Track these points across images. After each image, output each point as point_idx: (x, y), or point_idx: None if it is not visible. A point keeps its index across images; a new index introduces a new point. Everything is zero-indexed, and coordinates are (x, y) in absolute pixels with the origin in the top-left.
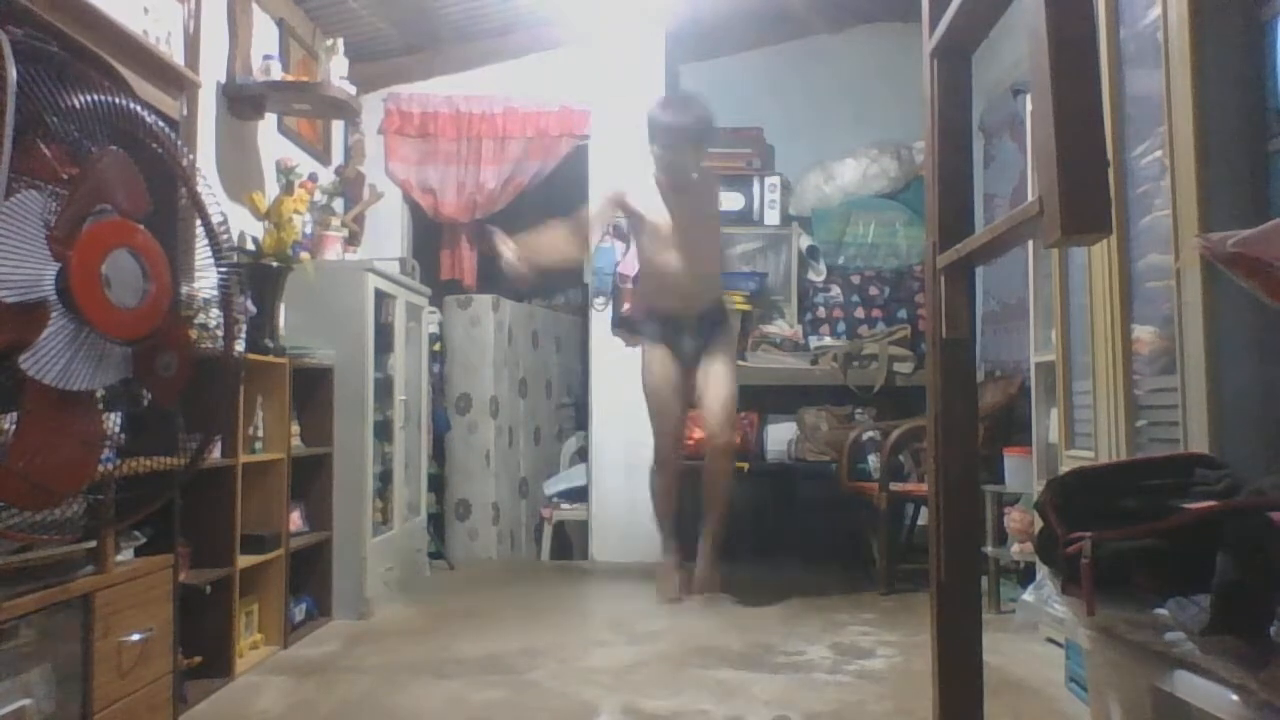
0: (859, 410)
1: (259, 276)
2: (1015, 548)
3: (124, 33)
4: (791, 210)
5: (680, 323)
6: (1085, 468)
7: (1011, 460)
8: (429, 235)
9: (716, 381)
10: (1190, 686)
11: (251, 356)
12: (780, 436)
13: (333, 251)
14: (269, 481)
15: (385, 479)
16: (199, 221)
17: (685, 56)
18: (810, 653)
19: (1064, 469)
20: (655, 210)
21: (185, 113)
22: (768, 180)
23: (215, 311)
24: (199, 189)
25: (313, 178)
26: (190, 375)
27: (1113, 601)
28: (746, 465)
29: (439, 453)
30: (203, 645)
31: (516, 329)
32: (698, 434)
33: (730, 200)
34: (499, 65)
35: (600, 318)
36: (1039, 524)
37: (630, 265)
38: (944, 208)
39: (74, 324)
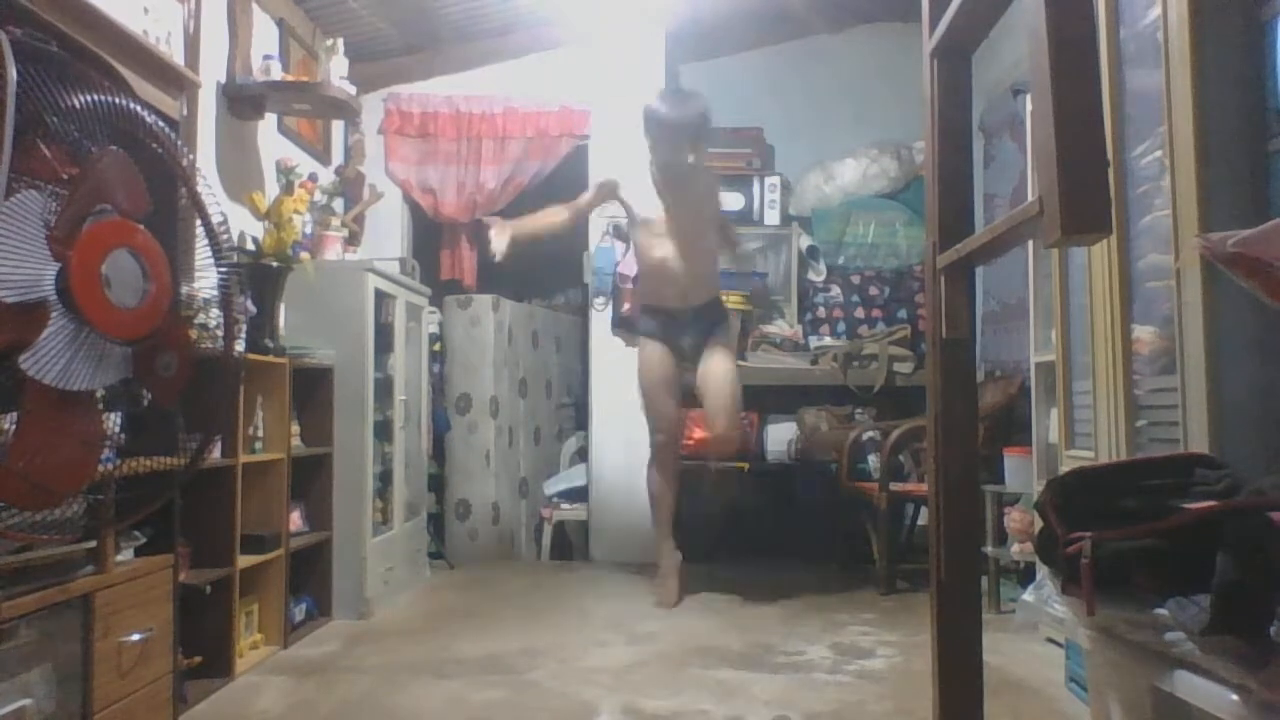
0: (859, 410)
1: (259, 276)
2: (1015, 548)
3: (124, 33)
4: (791, 210)
5: (676, 318)
6: (1085, 468)
7: (1011, 460)
8: (429, 235)
9: (717, 377)
10: (1190, 686)
11: (251, 356)
12: (780, 436)
13: (333, 251)
14: (269, 481)
15: (385, 479)
16: (199, 221)
17: (685, 56)
18: (810, 653)
19: (1064, 469)
20: (649, 205)
21: (185, 113)
22: (768, 180)
23: (215, 311)
24: (199, 189)
25: (313, 178)
26: (190, 375)
27: (1113, 601)
28: (746, 465)
29: (439, 453)
30: (203, 645)
31: (516, 329)
32: (698, 434)
33: (730, 200)
34: (499, 65)
35: (600, 318)
36: (1039, 524)
37: (630, 265)
38: (944, 208)
39: (74, 324)
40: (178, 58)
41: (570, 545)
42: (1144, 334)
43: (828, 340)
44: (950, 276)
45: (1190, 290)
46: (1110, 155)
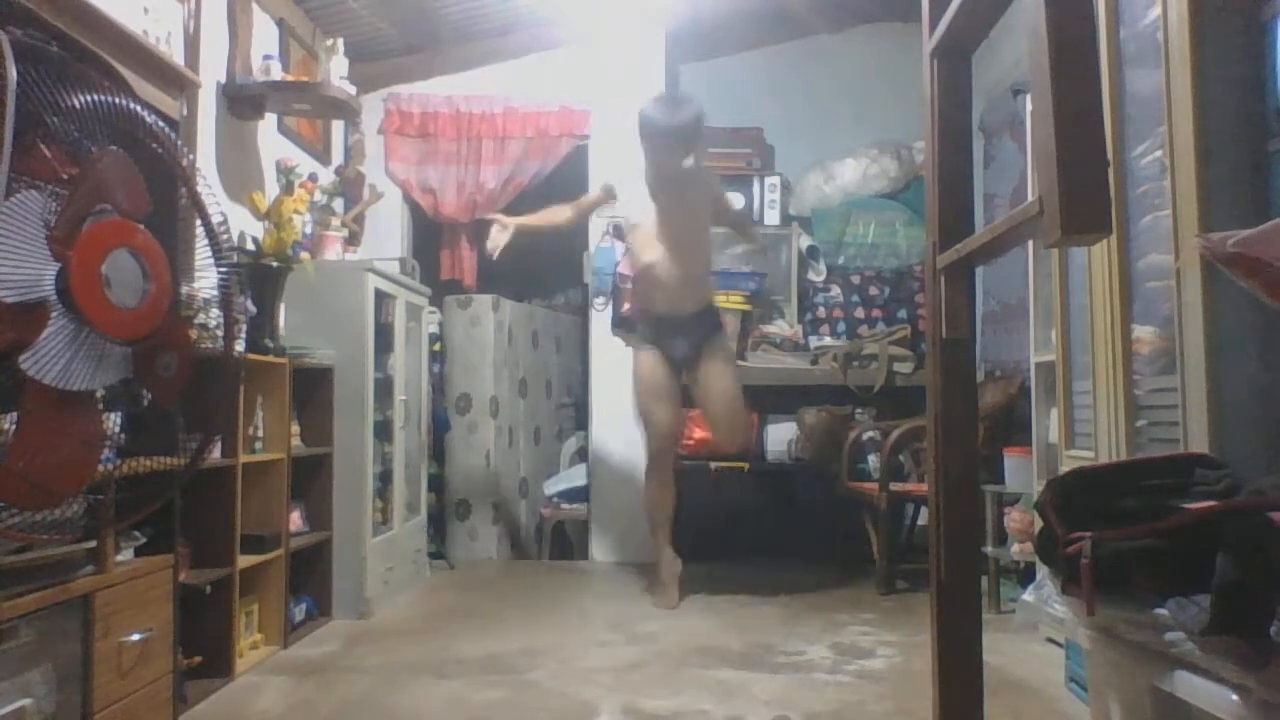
0: (859, 410)
1: (259, 276)
2: (1015, 548)
3: (124, 33)
4: (791, 210)
5: (670, 326)
6: (1085, 468)
7: (1011, 460)
8: (429, 235)
9: (719, 383)
10: (1190, 686)
11: (251, 356)
12: (780, 436)
13: (333, 251)
14: (269, 481)
15: (385, 479)
16: (199, 221)
17: (685, 56)
18: (810, 653)
19: (1064, 469)
20: (642, 211)
21: (185, 113)
22: (768, 180)
23: (215, 311)
24: (199, 189)
25: (313, 178)
26: (190, 375)
27: (1113, 601)
28: (746, 465)
29: (439, 453)
30: (203, 645)
31: (516, 329)
32: (698, 434)
33: (730, 200)
34: (499, 65)
35: (600, 318)
36: (1039, 524)
37: (629, 266)
38: (944, 208)
39: (74, 324)
40: (178, 58)
41: (570, 545)
42: (1144, 334)
43: (828, 340)
44: (950, 276)
45: (1190, 290)
46: (1110, 155)
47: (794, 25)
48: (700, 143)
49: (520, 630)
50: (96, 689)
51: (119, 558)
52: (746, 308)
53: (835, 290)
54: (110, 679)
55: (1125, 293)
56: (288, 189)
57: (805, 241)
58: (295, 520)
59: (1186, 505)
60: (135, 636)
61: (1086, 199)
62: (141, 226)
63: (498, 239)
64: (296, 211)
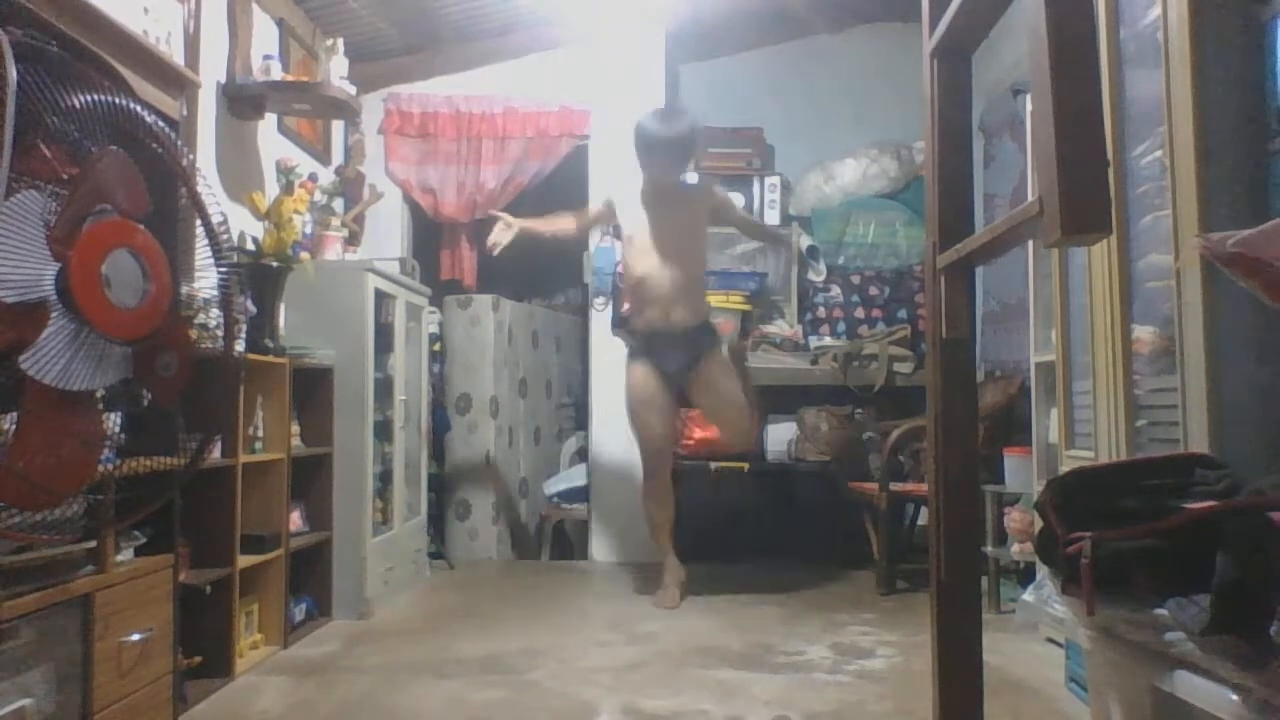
0: (859, 410)
1: (259, 276)
2: (1015, 548)
3: (124, 33)
4: (791, 210)
5: (663, 340)
6: (1085, 468)
7: (1011, 460)
8: (429, 235)
9: (720, 390)
10: (1190, 686)
11: (251, 356)
12: (780, 436)
13: (333, 251)
14: (269, 481)
15: (385, 479)
16: (199, 221)
17: (685, 56)
18: (810, 653)
19: (1064, 469)
20: (636, 222)
21: (185, 113)
22: (768, 180)
23: (215, 311)
24: (199, 189)
25: (313, 178)
26: (190, 375)
27: (1113, 601)
28: (746, 465)
29: (439, 453)
30: (203, 645)
31: (516, 329)
32: (698, 434)
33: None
34: (499, 65)
35: (600, 318)
36: (1039, 524)
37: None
38: (944, 208)
39: (74, 324)
40: (178, 58)
41: (570, 545)
42: (1144, 334)
43: (828, 340)
44: (950, 276)
45: (1190, 290)
46: (1110, 155)
47: (794, 25)
48: (696, 155)
49: (520, 630)
50: (96, 689)
51: (119, 558)
52: (746, 308)
53: (835, 290)
54: (110, 679)
55: (1125, 293)
56: (288, 189)
57: (805, 241)
58: (295, 520)
59: (1186, 505)
60: (135, 636)
61: (1086, 199)
62: (141, 226)
63: (501, 236)
64: (296, 211)
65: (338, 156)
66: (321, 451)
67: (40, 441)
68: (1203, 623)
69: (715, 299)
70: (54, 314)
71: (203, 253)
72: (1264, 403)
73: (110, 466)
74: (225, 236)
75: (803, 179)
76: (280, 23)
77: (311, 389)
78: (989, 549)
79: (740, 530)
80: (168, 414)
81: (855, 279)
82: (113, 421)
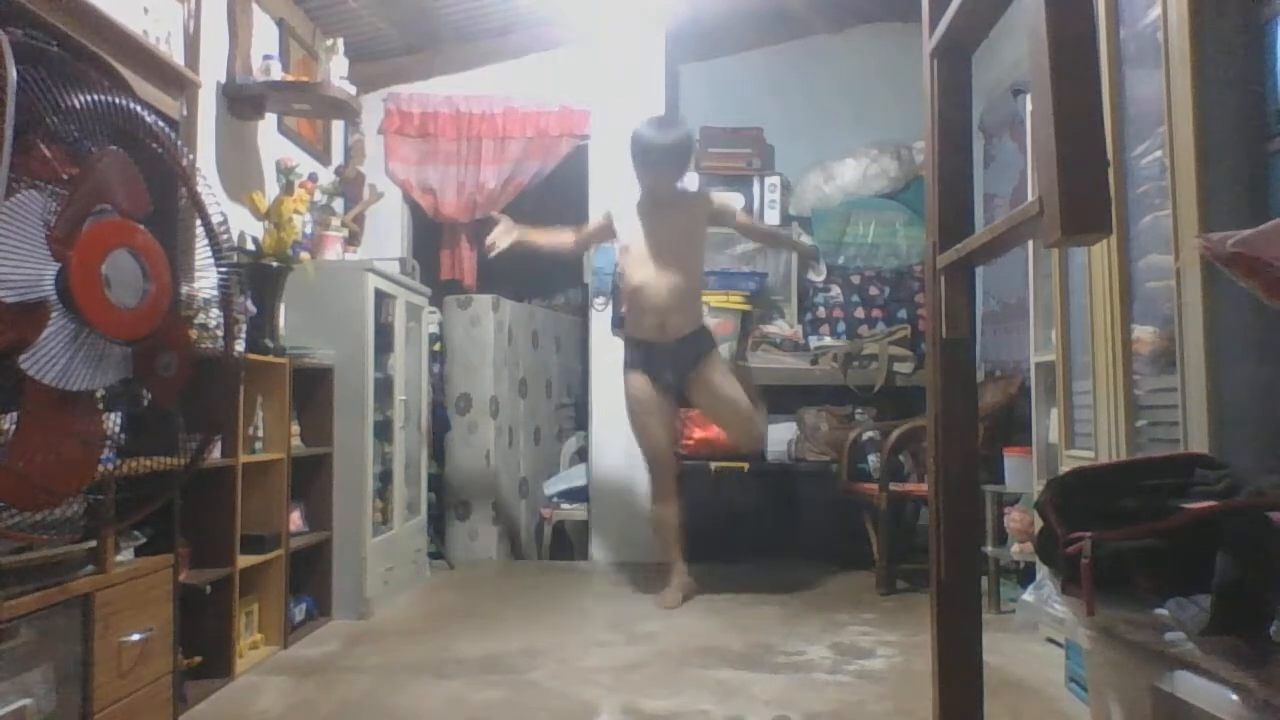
0: (859, 410)
1: (259, 276)
2: (1015, 548)
3: (124, 33)
4: (791, 210)
5: (658, 352)
6: (1085, 468)
7: (1011, 460)
8: (429, 235)
9: (722, 393)
10: (1190, 686)
11: (251, 356)
12: (780, 436)
13: (333, 251)
14: (269, 481)
15: (385, 479)
16: (199, 221)
17: (685, 56)
18: (810, 653)
19: (1064, 469)
20: (633, 231)
21: (185, 113)
22: (768, 180)
23: (215, 311)
24: (199, 189)
25: (313, 178)
26: (190, 375)
27: (1113, 601)
28: (746, 465)
29: (439, 453)
30: (203, 645)
31: (516, 329)
32: (698, 434)
33: (730, 200)
34: (499, 65)
35: (600, 318)
36: (1039, 524)
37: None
38: (944, 208)
39: (74, 324)
40: (178, 58)
41: (570, 545)
42: (1144, 334)
43: (828, 340)
44: (950, 276)
45: (1190, 290)
46: (1110, 155)
47: (794, 25)
48: (689, 162)
49: (520, 630)
50: (96, 689)
51: (119, 558)
52: (746, 308)
53: (835, 290)
54: (110, 679)
55: (1125, 293)
56: (288, 189)
57: (805, 241)
58: (295, 520)
59: (1186, 505)
60: (135, 636)
61: (1086, 199)
62: (141, 226)
63: (500, 240)
64: (296, 211)
65: (338, 156)
66: (321, 451)
67: (40, 441)
68: (1203, 623)
69: (715, 299)
70: (54, 314)
71: (203, 253)
72: (1264, 403)
73: (110, 466)
74: (225, 236)
75: (803, 179)
76: (280, 23)
77: (311, 389)
78: (989, 549)
79: (740, 530)
80: (168, 414)
81: (855, 279)
82: (113, 421)
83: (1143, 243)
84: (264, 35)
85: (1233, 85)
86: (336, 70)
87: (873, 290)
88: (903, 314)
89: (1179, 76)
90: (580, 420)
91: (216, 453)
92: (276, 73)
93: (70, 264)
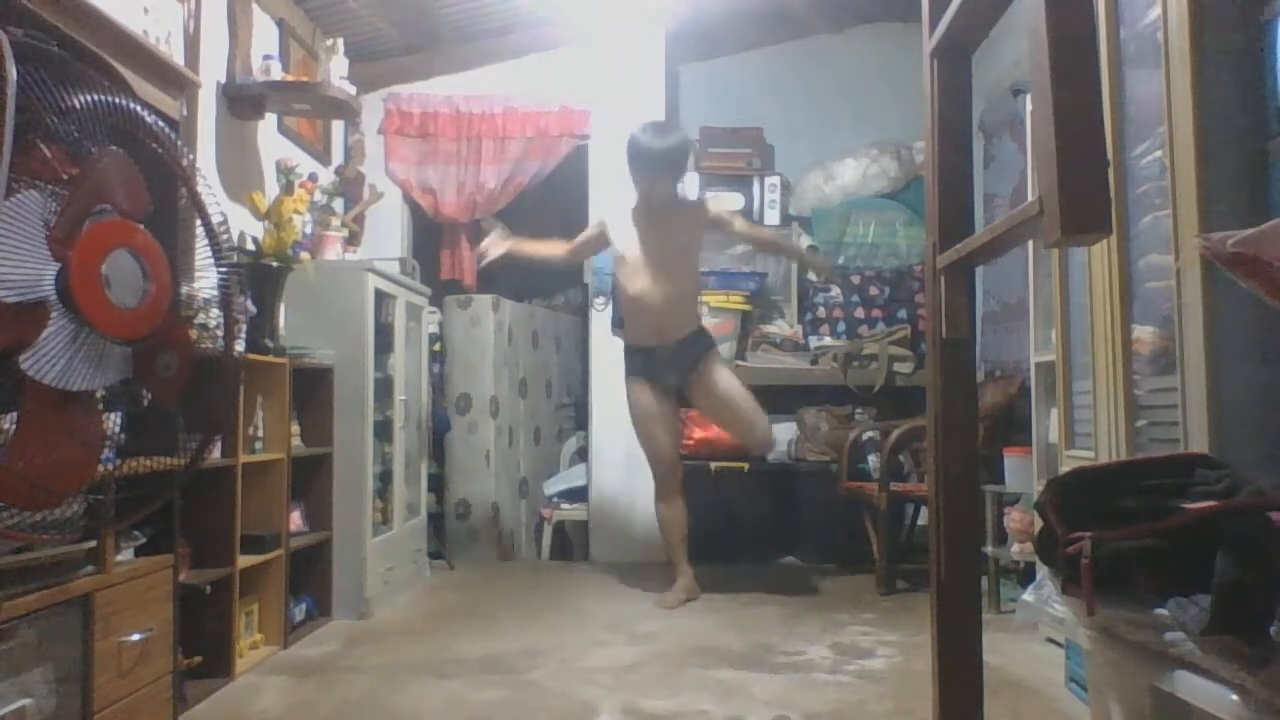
0: (859, 410)
1: (259, 276)
2: (1015, 548)
3: (124, 33)
4: (791, 210)
5: (658, 357)
6: (1085, 468)
7: (1011, 460)
8: (429, 235)
9: (725, 391)
10: (1190, 686)
11: (251, 356)
12: (780, 436)
13: (333, 251)
14: (269, 481)
15: (385, 479)
16: (199, 221)
17: (685, 56)
18: (810, 653)
19: (1064, 469)
20: (628, 241)
21: (185, 113)
22: (768, 180)
23: (215, 311)
24: (199, 189)
25: (313, 178)
26: (190, 375)
27: (1113, 601)
28: (747, 465)
29: (439, 453)
30: (203, 645)
31: (516, 329)
32: (698, 434)
33: (730, 200)
34: (499, 65)
35: (600, 318)
36: (1039, 524)
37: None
38: (944, 208)
39: (74, 324)
40: (178, 58)
41: (570, 545)
42: (1144, 334)
43: (828, 340)
44: (950, 276)
45: (1190, 290)
46: (1110, 155)
47: (794, 25)
48: (686, 168)
49: (520, 630)
50: (96, 689)
51: (119, 558)
52: (746, 308)
53: (835, 290)
54: (110, 679)
55: (1125, 293)
56: (288, 189)
57: (805, 241)
58: (295, 520)
59: (1186, 505)
60: (135, 636)
61: (1086, 199)
62: (141, 226)
63: (491, 250)
64: (296, 211)
65: (338, 156)
66: (321, 451)
67: (40, 441)
68: (1203, 623)
69: (715, 299)
70: (54, 314)
71: (203, 253)
72: (1264, 403)
73: (110, 466)
74: (225, 236)
75: (803, 179)
76: (280, 23)
77: (311, 389)
78: (989, 549)
79: (740, 530)
80: (168, 414)
81: (855, 279)
82: (113, 421)
83: (1143, 243)
84: (264, 35)
85: (1233, 85)
86: (336, 70)
87: (873, 290)
88: (903, 314)
89: (1179, 76)
90: (580, 420)
91: (216, 453)
92: (276, 73)
93: (70, 264)
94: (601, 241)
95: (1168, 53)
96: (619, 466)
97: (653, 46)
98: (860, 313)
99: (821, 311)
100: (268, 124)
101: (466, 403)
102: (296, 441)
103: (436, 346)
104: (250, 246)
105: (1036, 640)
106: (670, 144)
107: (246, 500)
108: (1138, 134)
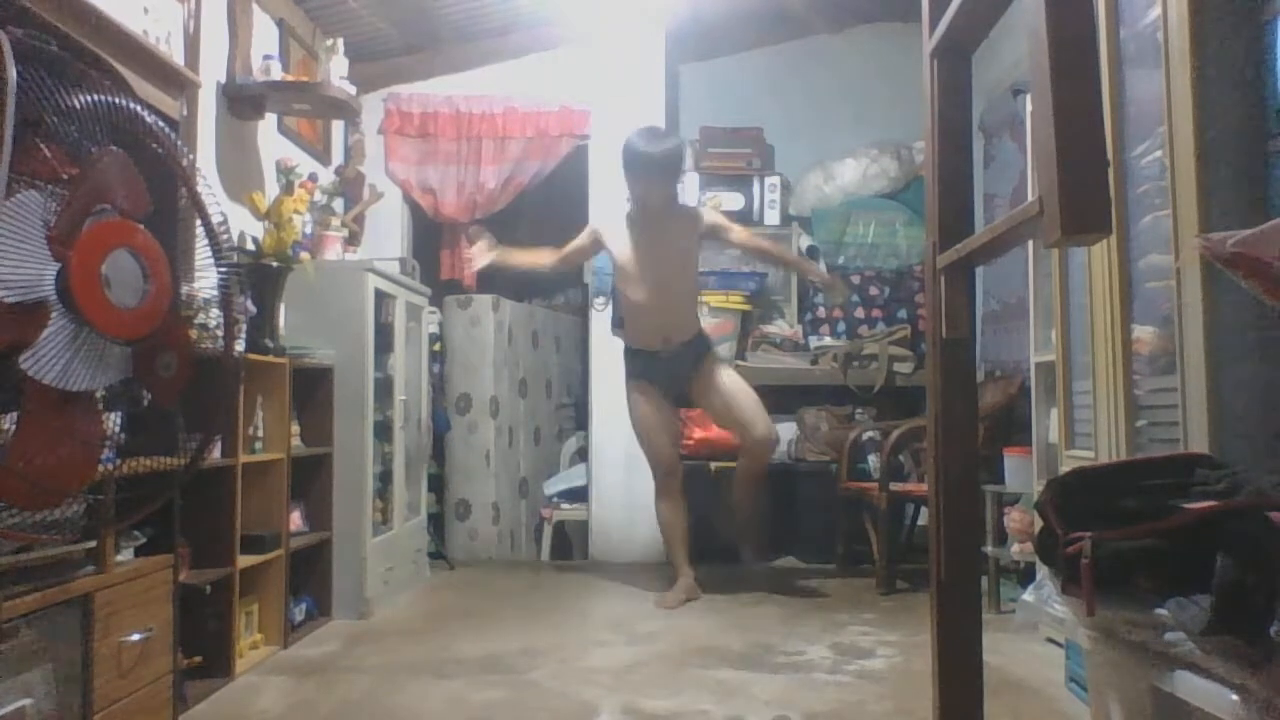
0: (859, 410)
1: (259, 276)
2: (1015, 548)
3: (124, 33)
4: (791, 210)
5: (660, 359)
6: (1085, 468)
7: (1011, 460)
8: (429, 235)
9: (729, 392)
10: (1190, 686)
11: (251, 356)
12: (780, 436)
13: (333, 251)
14: (269, 481)
15: (385, 479)
16: (199, 221)
17: (685, 56)
18: (810, 653)
19: (1064, 469)
20: (625, 250)
21: (185, 113)
22: (768, 180)
23: (215, 311)
24: (199, 189)
25: (313, 178)
26: (190, 375)
27: (1113, 601)
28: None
29: (439, 453)
30: (203, 645)
31: (516, 329)
32: (698, 433)
33: (730, 200)
34: (499, 65)
35: (600, 318)
36: (1039, 524)
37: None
38: (944, 208)
39: (74, 324)
40: (178, 58)
41: (570, 545)
42: (1144, 334)
43: (828, 340)
44: (950, 276)
45: (1190, 290)
46: (1110, 155)
47: (794, 25)
48: (680, 173)
49: (520, 630)
50: (96, 689)
51: (119, 558)
52: (746, 308)
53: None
54: (110, 679)
55: (1125, 293)
56: (288, 189)
57: (805, 241)
58: (295, 520)
59: (1186, 505)
60: (135, 636)
61: (1086, 199)
62: (141, 226)
63: (477, 258)
64: (296, 211)
65: (338, 156)
66: (321, 451)
67: (40, 441)
68: (1203, 623)
69: (715, 299)
70: (54, 314)
71: (203, 253)
72: (1264, 403)
73: (110, 466)
74: (225, 236)
75: (803, 179)
76: (280, 23)
77: (311, 389)
78: (989, 549)
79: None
80: (168, 414)
81: (855, 279)
82: (113, 421)
83: (1143, 243)
84: (264, 35)
85: (1233, 85)
86: (336, 70)
87: (873, 290)
88: (903, 314)
89: (1179, 76)
90: (580, 420)
91: (216, 453)
92: (276, 73)
93: (70, 264)
94: (592, 251)
95: (1168, 53)
96: (619, 466)
97: (653, 46)
98: (860, 313)
99: (821, 311)
100: (268, 124)
101: (466, 403)
102: (296, 441)
103: (436, 346)
104: (250, 246)
105: (1036, 640)
106: (665, 149)
107: (246, 500)
108: (1138, 134)
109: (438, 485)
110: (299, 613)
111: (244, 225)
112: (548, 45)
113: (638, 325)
